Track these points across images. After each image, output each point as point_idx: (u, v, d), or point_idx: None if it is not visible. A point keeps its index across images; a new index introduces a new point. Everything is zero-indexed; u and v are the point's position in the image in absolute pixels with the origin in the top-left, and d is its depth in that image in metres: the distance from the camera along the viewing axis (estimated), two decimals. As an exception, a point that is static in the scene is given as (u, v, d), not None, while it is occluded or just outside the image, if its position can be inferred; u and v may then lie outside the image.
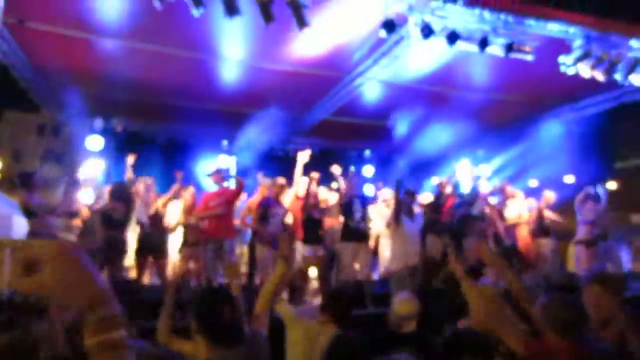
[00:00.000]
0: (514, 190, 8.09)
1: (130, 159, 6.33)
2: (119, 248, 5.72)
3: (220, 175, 6.48)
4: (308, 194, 6.36)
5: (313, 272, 6.69)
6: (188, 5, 4.53)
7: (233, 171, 8.48)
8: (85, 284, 0.81)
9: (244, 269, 6.90)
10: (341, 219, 6.57)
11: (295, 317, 3.14)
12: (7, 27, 5.49)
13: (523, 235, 7.75)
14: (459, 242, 6.10)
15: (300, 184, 6.77)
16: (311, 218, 6.36)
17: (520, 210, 7.82)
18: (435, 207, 6.72)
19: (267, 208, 6.28)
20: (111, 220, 5.66)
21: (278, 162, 9.90)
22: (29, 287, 0.77)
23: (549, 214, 7.68)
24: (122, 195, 5.90)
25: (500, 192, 8.04)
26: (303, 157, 6.77)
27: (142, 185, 6.45)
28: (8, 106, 27.96)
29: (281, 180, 6.62)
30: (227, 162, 8.99)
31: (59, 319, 0.82)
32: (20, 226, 6.61)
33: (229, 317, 1.99)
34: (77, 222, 5.81)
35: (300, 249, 6.40)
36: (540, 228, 7.63)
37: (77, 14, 5.26)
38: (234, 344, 2.01)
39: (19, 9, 5.03)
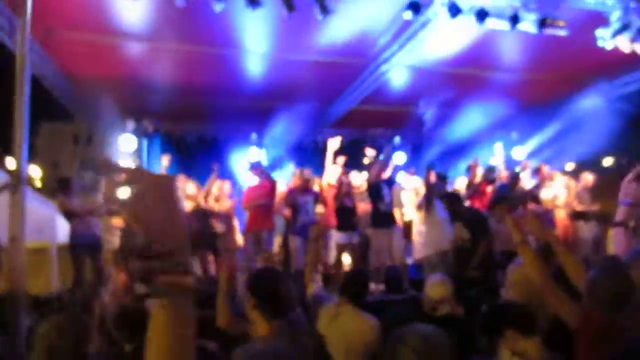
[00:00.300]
0: (551, 171, 7.82)
1: (165, 160, 6.42)
2: None
3: (260, 168, 6.54)
4: (341, 182, 6.36)
5: (347, 259, 6.66)
6: (209, 1, 4.53)
7: (264, 164, 8.53)
8: (176, 229, 0.82)
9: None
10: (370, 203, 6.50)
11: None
12: (36, 38, 5.59)
13: (561, 218, 7.49)
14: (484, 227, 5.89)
15: (331, 171, 6.74)
16: (343, 206, 6.34)
17: (556, 192, 7.55)
18: (452, 198, 6.48)
19: (294, 198, 6.30)
20: None
21: (308, 153, 9.94)
22: (129, 215, 0.80)
23: (580, 205, 7.42)
24: None
25: (536, 173, 7.78)
26: (333, 144, 6.78)
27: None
28: (44, 118, 28.94)
29: (307, 170, 6.63)
30: (258, 155, 9.02)
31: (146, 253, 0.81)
32: (62, 226, 6.84)
33: (284, 292, 2.22)
34: (118, 222, 5.95)
35: (335, 237, 6.40)
36: (579, 211, 7.38)
37: (102, 18, 5.32)
38: (287, 317, 2.22)
39: (45, 18, 5.10)
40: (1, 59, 5.74)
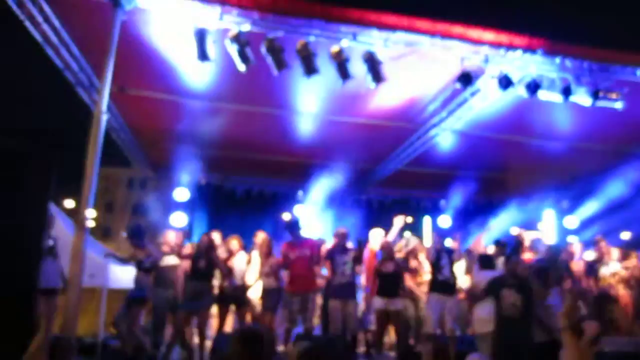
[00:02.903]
0: (609, 246, 7.38)
1: (216, 235, 6.39)
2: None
3: (294, 228, 6.42)
4: (384, 247, 6.26)
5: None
6: (268, 67, 4.79)
7: (309, 222, 8.49)
8: None
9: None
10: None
11: None
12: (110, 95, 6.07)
13: (622, 293, 7.06)
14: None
15: (378, 237, 6.60)
16: (382, 271, 6.21)
17: (615, 269, 7.13)
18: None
19: (332, 259, 6.12)
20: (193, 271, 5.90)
21: (353, 211, 9.94)
22: None
23: None
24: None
25: (595, 246, 7.38)
26: (399, 222, 6.66)
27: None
28: (103, 163, 30.47)
29: (342, 228, 6.49)
30: (303, 212, 9.07)
31: None
32: (116, 274, 7.03)
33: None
34: None
35: (375, 302, 6.24)
36: None
37: (168, 80, 5.76)
38: None
39: (120, 79, 5.55)
40: (76, 109, 6.27)
